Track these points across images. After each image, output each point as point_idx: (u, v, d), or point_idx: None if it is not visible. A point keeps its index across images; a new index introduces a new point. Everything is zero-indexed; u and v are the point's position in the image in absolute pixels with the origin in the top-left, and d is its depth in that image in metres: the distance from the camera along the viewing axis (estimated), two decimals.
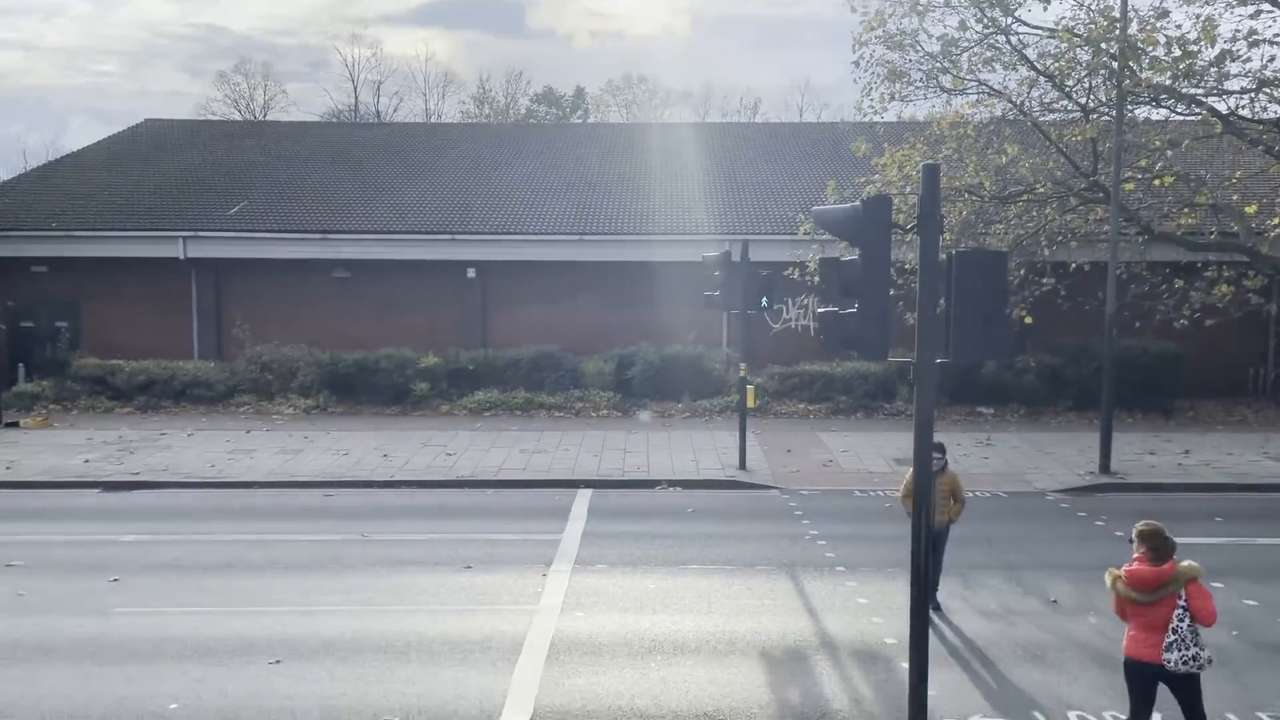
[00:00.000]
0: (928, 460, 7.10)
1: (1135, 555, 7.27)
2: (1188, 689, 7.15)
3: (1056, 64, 18.25)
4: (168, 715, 8.57)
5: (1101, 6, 17.77)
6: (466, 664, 9.62)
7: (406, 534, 14.12)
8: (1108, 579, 7.38)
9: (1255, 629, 10.48)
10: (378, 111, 64.00)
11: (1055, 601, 11.29)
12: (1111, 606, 7.53)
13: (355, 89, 66.23)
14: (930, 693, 7.68)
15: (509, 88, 67.94)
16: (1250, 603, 11.23)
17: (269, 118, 60.09)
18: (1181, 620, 6.96)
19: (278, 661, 9.65)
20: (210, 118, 54.26)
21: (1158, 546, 7.14)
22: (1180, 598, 7.01)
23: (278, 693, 9.00)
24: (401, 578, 12.16)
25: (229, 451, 19.23)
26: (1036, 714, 8.64)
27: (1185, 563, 7.11)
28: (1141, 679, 7.26)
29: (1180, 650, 6.93)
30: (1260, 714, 8.63)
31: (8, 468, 17.75)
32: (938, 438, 7.93)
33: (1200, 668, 6.99)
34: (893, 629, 10.36)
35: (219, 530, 14.33)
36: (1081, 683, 9.23)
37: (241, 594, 11.60)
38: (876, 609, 11.09)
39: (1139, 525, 7.36)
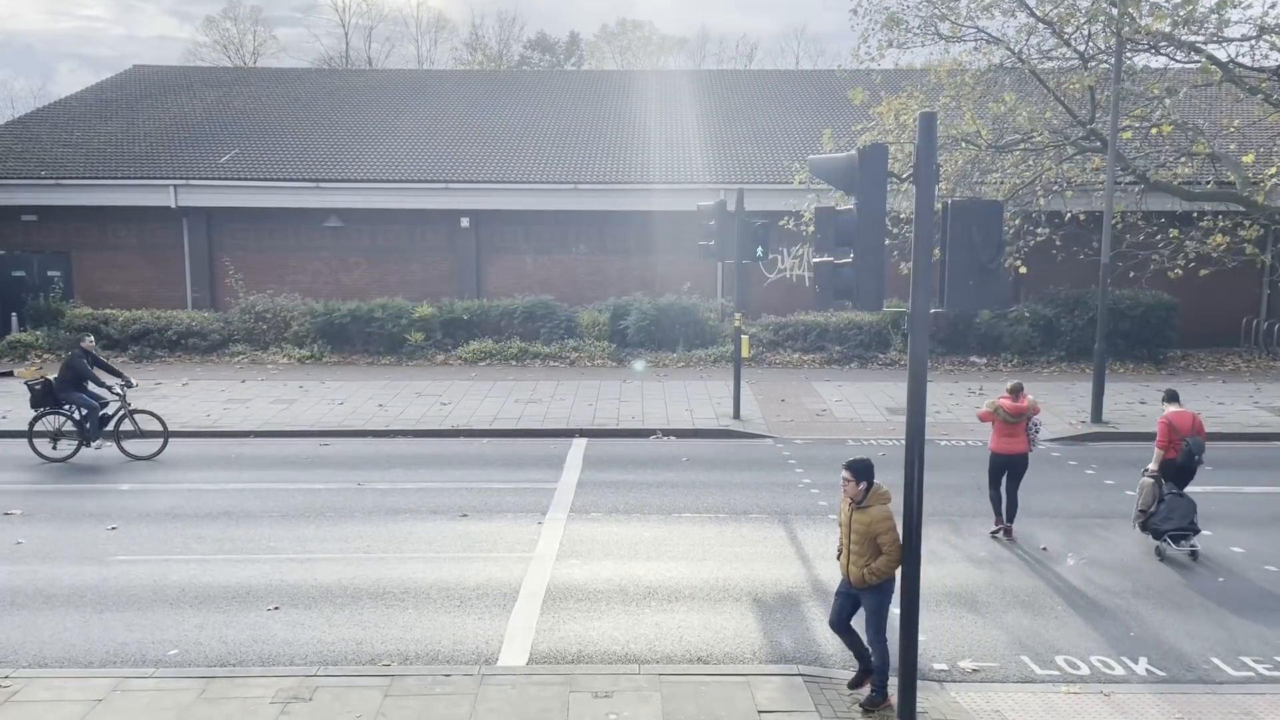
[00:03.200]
0: (922, 407, 7.12)
1: (1003, 396, 11.69)
2: (1025, 469, 11.75)
3: (1055, 10, 18.05)
4: (167, 660, 8.67)
5: None
6: (463, 610, 9.73)
7: (402, 483, 14.19)
8: (987, 406, 11.75)
9: (1240, 576, 10.63)
10: (369, 58, 63.25)
11: (1045, 549, 11.43)
12: (980, 415, 11.89)
13: (346, 35, 65.40)
14: (921, 638, 7.81)
15: (502, 33, 67.29)
16: (1237, 550, 11.38)
17: (259, 64, 59.35)
18: (1033, 427, 11.62)
19: (276, 608, 9.76)
20: (199, 64, 53.51)
21: (1020, 390, 11.64)
22: (1030, 416, 11.61)
23: (276, 638, 9.11)
24: (398, 526, 12.25)
25: (224, 401, 19.25)
26: (1025, 658, 8.78)
27: (1031, 397, 11.72)
28: (1004, 465, 11.67)
29: (1036, 445, 11.75)
30: (1244, 658, 8.78)
31: (3, 417, 17.76)
32: (932, 388, 7.96)
33: None
34: None
35: (216, 479, 14.39)
36: (1069, 628, 9.37)
37: (239, 542, 11.68)
38: None
39: (1010, 383, 11.79)
